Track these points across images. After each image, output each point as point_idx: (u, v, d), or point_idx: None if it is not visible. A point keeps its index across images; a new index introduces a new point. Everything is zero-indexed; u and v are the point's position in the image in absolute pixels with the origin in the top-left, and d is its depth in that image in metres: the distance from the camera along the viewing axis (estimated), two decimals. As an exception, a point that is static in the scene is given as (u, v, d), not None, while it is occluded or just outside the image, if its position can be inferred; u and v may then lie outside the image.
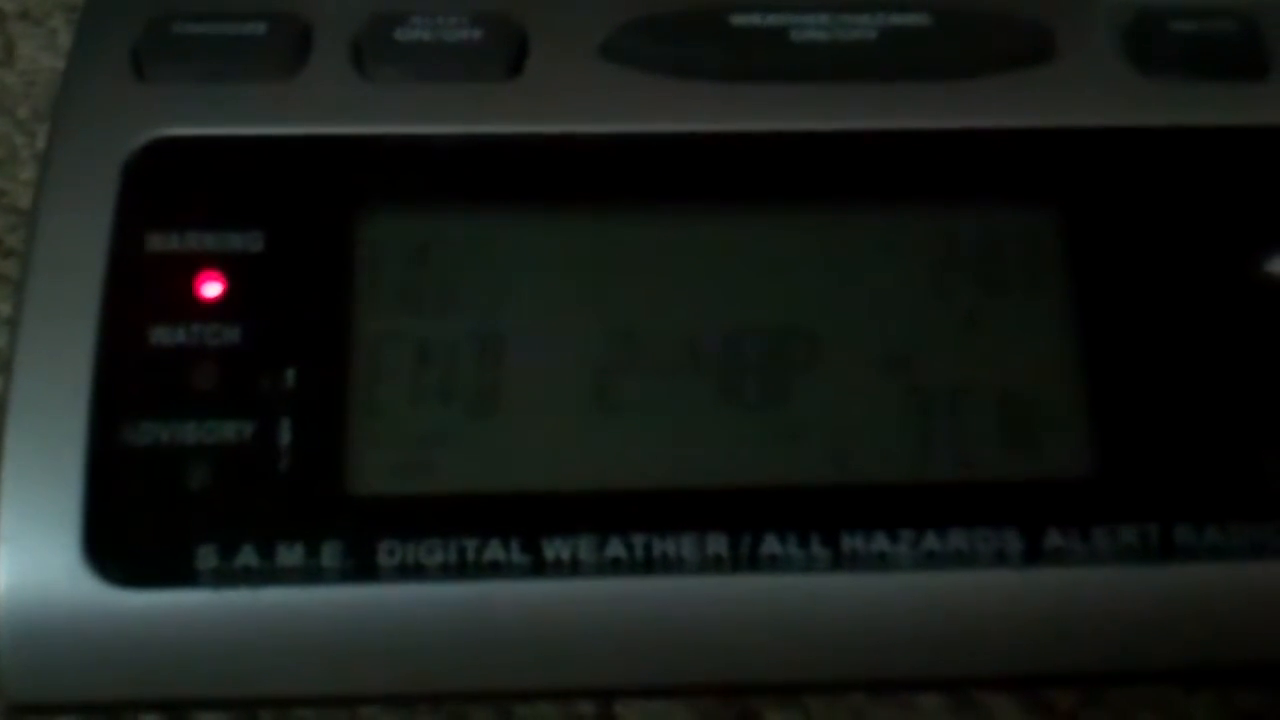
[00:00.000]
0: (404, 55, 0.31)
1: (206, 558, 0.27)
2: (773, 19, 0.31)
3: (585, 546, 0.27)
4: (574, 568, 0.27)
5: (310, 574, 0.27)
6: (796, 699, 0.29)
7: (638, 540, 0.27)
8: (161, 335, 0.28)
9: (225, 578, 0.26)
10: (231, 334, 0.28)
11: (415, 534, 0.27)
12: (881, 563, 0.27)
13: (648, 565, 0.27)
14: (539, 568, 0.27)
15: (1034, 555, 0.27)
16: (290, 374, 0.28)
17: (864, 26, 0.31)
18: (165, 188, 0.29)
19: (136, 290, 0.28)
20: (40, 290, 0.28)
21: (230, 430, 0.27)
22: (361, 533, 0.27)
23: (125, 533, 0.27)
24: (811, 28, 0.31)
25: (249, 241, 0.29)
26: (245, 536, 0.27)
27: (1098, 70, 0.31)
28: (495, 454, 0.27)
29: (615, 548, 0.27)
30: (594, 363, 0.28)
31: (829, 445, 0.28)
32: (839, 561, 0.27)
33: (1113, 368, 0.28)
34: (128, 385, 0.27)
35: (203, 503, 0.27)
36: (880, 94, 0.30)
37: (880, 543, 0.27)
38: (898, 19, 0.31)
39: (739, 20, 0.31)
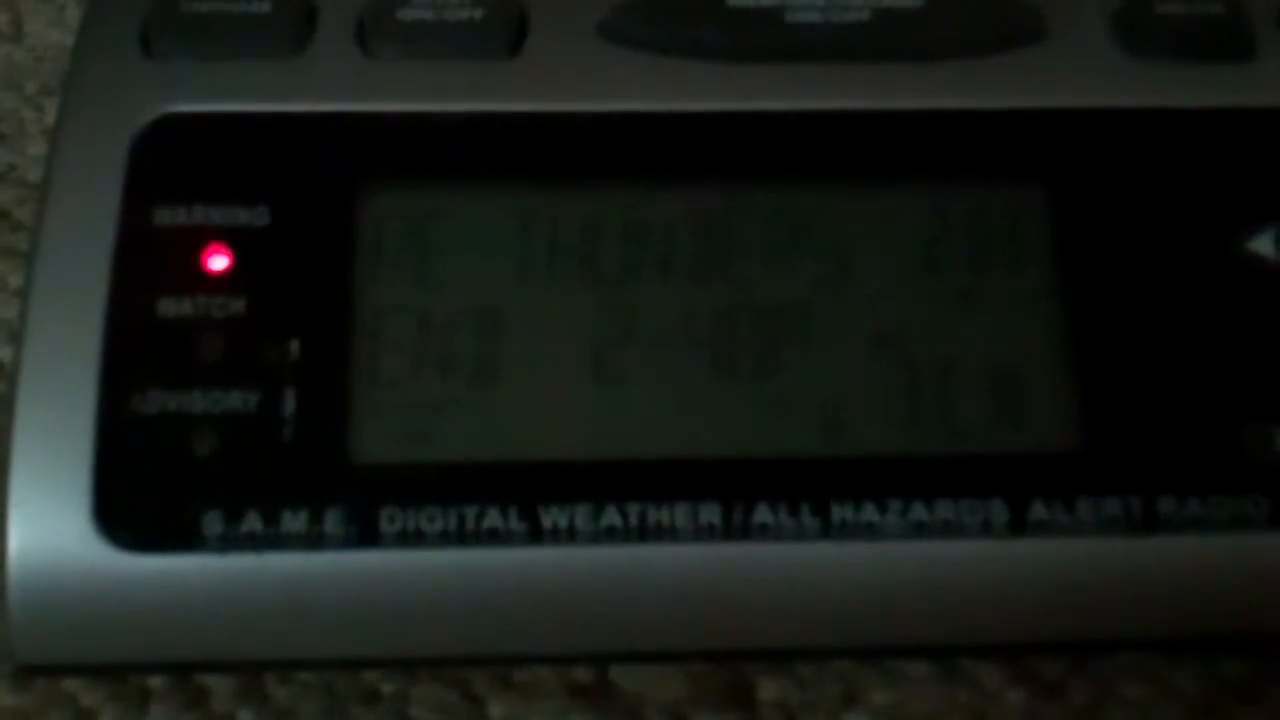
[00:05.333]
0: (406, 34, 0.31)
1: (213, 523, 0.27)
2: (768, 0, 0.32)
3: (582, 515, 0.27)
4: (570, 535, 0.27)
5: (313, 540, 0.27)
6: (787, 665, 0.29)
7: (633, 509, 0.27)
8: (169, 307, 0.28)
9: (231, 543, 0.27)
10: (237, 306, 0.28)
11: (415, 502, 0.27)
12: (870, 532, 0.27)
13: (642, 533, 0.27)
14: (536, 535, 0.27)
15: (1020, 526, 0.27)
16: (294, 345, 0.28)
17: (857, 8, 0.31)
18: (173, 163, 0.29)
19: (144, 263, 0.28)
20: (50, 263, 0.28)
21: (236, 400, 0.28)
22: (363, 500, 0.27)
23: (134, 499, 0.27)
24: (806, 9, 0.31)
25: (254, 216, 0.29)
26: (250, 503, 0.27)
27: (1087, 52, 0.31)
28: (494, 424, 0.28)
29: (611, 516, 0.27)
30: (591, 335, 0.28)
31: (820, 417, 0.28)
32: (829, 531, 0.27)
33: (1098, 344, 0.29)
34: (136, 356, 0.28)
35: (209, 470, 0.27)
36: (873, 74, 0.31)
37: (869, 513, 0.27)
38: (890, 1, 0.32)
39: (735, 1, 0.32)
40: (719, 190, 0.30)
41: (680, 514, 0.27)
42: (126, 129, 0.30)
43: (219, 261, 0.29)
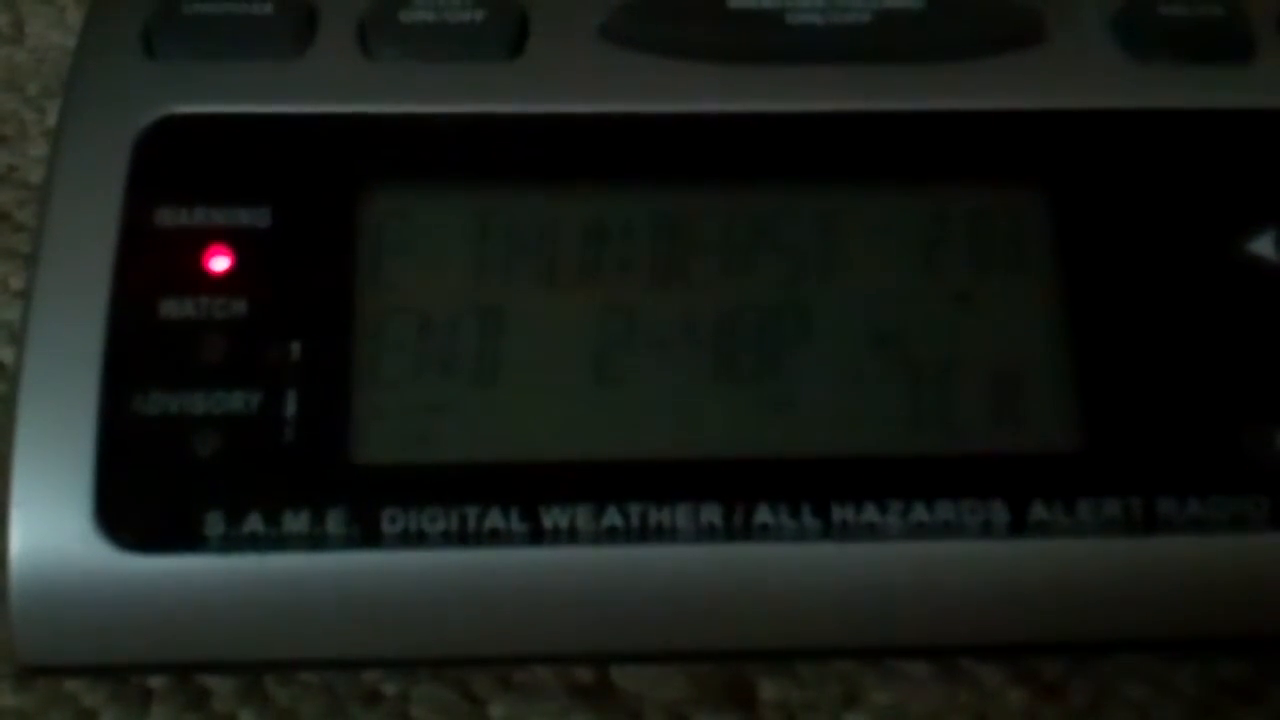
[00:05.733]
0: (407, 36, 0.31)
1: (214, 524, 0.27)
2: (768, 2, 0.32)
3: (583, 515, 0.27)
4: (572, 536, 0.27)
5: (315, 541, 0.27)
6: (787, 666, 0.29)
7: (634, 510, 0.27)
8: (171, 308, 0.28)
9: (232, 544, 0.27)
10: (239, 307, 0.28)
11: (417, 502, 0.27)
12: (871, 533, 0.27)
13: (643, 534, 0.27)
14: (538, 536, 0.27)
15: (1020, 527, 0.27)
16: (296, 346, 0.28)
17: (858, 9, 0.31)
18: (175, 164, 0.29)
19: (146, 264, 0.28)
20: (52, 264, 0.28)
21: (238, 401, 0.28)
22: (365, 501, 0.27)
23: (135, 499, 0.27)
24: (806, 10, 0.31)
25: (256, 217, 0.29)
26: (252, 504, 0.27)
27: (1087, 53, 0.32)
28: (495, 425, 0.28)
29: (612, 517, 0.27)
30: (592, 336, 0.28)
31: (821, 418, 0.28)
32: (829, 531, 0.27)
33: (1098, 345, 0.29)
34: (138, 357, 0.28)
35: (211, 471, 0.27)
36: (873, 76, 0.31)
37: (870, 513, 0.27)
38: (891, 2, 0.32)
39: (736, 2, 0.32)
40: (719, 191, 0.30)
41: (681, 514, 0.27)
42: (128, 130, 0.30)
43: (221, 262, 0.29)
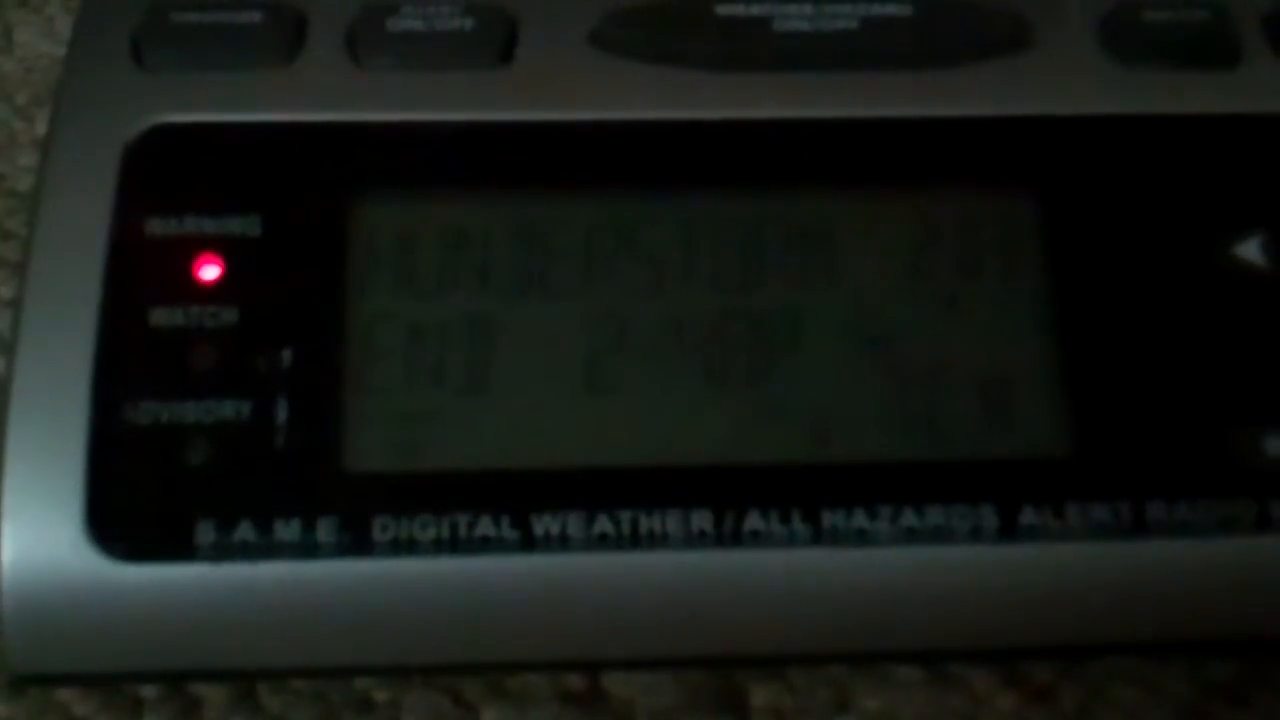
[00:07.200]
0: (396, 44, 0.31)
1: (205, 533, 0.27)
2: (756, 9, 0.32)
3: (574, 522, 0.27)
4: (563, 543, 0.27)
5: (306, 549, 0.27)
6: (779, 671, 0.29)
7: (625, 516, 0.27)
8: (161, 317, 0.28)
9: (223, 552, 0.27)
10: (229, 316, 0.28)
11: (408, 510, 0.27)
12: (861, 538, 0.27)
13: (634, 541, 0.27)
14: (528, 543, 0.27)
15: (1009, 531, 0.28)
16: (287, 354, 0.28)
17: (845, 16, 0.32)
18: (164, 173, 0.29)
19: (136, 273, 0.29)
20: (42, 273, 0.28)
21: (228, 409, 0.28)
22: (356, 509, 0.27)
23: (126, 508, 0.27)
24: (794, 17, 0.32)
25: (246, 225, 0.29)
26: (243, 512, 0.27)
27: (1074, 59, 0.32)
28: (486, 432, 0.28)
29: (603, 524, 0.27)
30: (582, 343, 0.29)
31: (811, 424, 0.28)
32: (820, 537, 0.27)
33: (1087, 349, 0.29)
34: (128, 365, 0.28)
35: (202, 479, 0.27)
36: (861, 82, 0.31)
37: (860, 519, 0.28)
38: (878, 9, 0.32)
39: (723, 10, 0.32)
40: (709, 198, 0.30)
41: (672, 521, 0.27)
42: (118, 139, 0.30)
43: (211, 271, 0.29)
